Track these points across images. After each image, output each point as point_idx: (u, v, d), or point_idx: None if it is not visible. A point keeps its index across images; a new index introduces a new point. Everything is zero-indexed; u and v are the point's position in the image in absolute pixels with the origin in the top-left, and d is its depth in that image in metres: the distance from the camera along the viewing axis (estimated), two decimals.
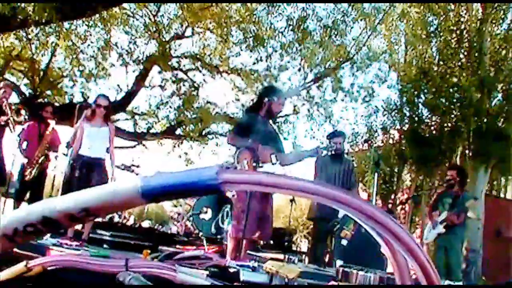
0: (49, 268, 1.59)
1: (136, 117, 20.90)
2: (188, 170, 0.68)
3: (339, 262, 2.13)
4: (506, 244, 12.72)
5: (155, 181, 0.65)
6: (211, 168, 0.62)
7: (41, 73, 18.14)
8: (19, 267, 1.54)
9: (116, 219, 16.54)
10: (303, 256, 13.05)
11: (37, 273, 1.55)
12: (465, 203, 8.61)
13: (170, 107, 20.63)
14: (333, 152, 8.50)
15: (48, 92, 18.81)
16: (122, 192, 0.65)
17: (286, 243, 13.33)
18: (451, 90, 17.19)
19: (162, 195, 0.66)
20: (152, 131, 20.98)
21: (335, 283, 1.22)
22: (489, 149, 15.22)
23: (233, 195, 6.34)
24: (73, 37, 16.84)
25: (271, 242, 13.11)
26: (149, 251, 3.20)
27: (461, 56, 17.06)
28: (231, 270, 2.33)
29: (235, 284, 1.50)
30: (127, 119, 21.16)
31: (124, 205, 0.68)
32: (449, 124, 17.96)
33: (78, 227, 8.84)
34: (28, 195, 10.23)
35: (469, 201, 8.68)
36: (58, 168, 10.21)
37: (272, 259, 2.45)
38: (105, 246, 8.10)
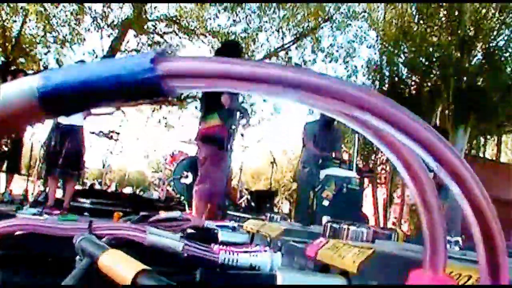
0: (5, 234, 1.43)
1: None
2: (112, 59, 0.45)
3: (325, 218, 2.01)
4: None
5: (59, 78, 0.42)
6: (144, 55, 0.42)
7: (13, 40, 17.73)
8: None
9: (97, 186, 16.39)
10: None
11: None
12: None
13: None
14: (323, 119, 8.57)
15: (22, 60, 18.35)
16: (8, 97, 0.42)
17: (267, 205, 13.27)
18: (431, 49, 17.10)
19: (71, 100, 0.43)
20: None
21: (324, 240, 1.10)
22: (468, 109, 15.24)
23: (204, 157, 6.20)
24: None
25: (252, 204, 13.08)
26: (120, 214, 3.06)
27: (441, 15, 16.91)
28: (209, 231, 2.21)
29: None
30: None
31: (12, 118, 0.44)
32: (429, 84, 17.92)
33: (60, 195, 8.75)
34: (5, 165, 10.05)
35: None
36: (35, 136, 10.03)
37: (253, 218, 2.33)
38: (85, 214, 7.98)
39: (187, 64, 0.41)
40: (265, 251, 1.40)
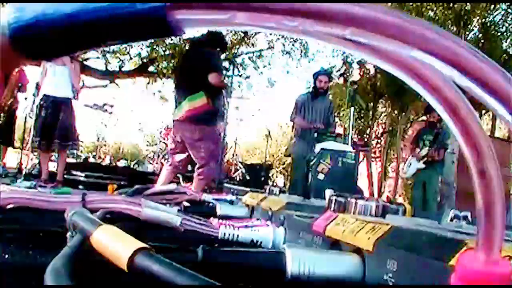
0: None
1: (108, 55, 20.42)
2: None
3: (328, 191, 1.95)
4: None
5: (38, 10, 0.32)
6: None
7: None
8: None
9: (91, 159, 16.37)
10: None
11: None
12: (445, 140, 8.86)
13: (142, 44, 20.19)
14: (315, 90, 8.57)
15: None
16: None
17: (262, 179, 13.29)
18: None
19: (53, 38, 0.33)
20: (124, 69, 20.55)
21: (332, 215, 1.03)
22: None
23: (198, 138, 6.16)
24: None
25: (247, 177, 13.09)
26: (115, 186, 3.00)
27: (469, 3, 16.79)
28: (207, 204, 2.15)
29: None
30: (98, 57, 20.68)
31: None
32: None
33: (53, 168, 8.74)
34: None
35: (450, 138, 8.90)
36: (28, 109, 9.97)
37: (251, 191, 2.27)
38: (80, 187, 7.96)
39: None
40: (267, 225, 1.35)
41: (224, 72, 6.23)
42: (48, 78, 7.74)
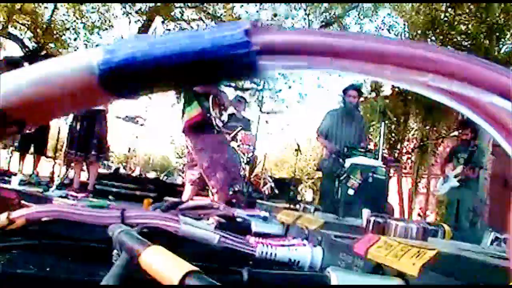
0: (34, 221, 1.39)
1: None
2: (194, 30, 0.35)
3: (366, 211, 1.95)
4: None
5: (126, 52, 0.33)
6: (235, 26, 0.32)
7: (44, 26, 18.00)
8: (0, 219, 1.35)
9: (122, 170, 16.51)
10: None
11: (20, 226, 1.35)
12: (481, 159, 8.75)
13: None
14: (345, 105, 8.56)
15: (52, 45, 18.63)
16: (63, 73, 0.34)
17: (291, 193, 13.25)
18: (459, 37, 16.88)
19: (139, 80, 0.34)
20: None
21: (374, 237, 1.02)
22: None
23: (201, 148, 6.11)
24: None
25: (276, 191, 13.05)
26: (150, 201, 3.01)
27: (470, 3, 16.65)
28: (240, 220, 2.15)
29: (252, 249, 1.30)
30: None
31: (66, 97, 0.35)
32: None
33: (84, 178, 8.85)
34: (32, 148, 10.18)
35: (485, 156, 8.79)
36: (62, 119, 10.11)
37: (286, 208, 2.27)
38: (110, 197, 8.02)
39: (287, 37, 0.33)
40: (304, 245, 1.34)
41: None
42: None
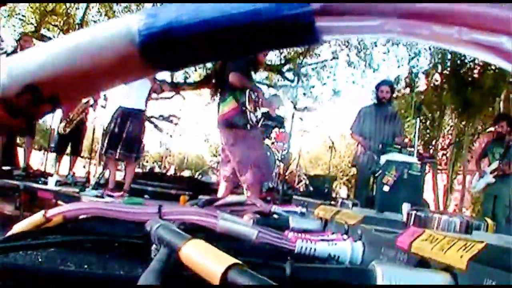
0: (71, 218, 1.39)
1: None
2: None
3: (405, 206, 1.91)
4: None
5: (171, 16, 0.29)
6: None
7: (77, 26, 18.24)
8: (36, 217, 1.35)
9: (156, 169, 16.63)
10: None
11: (57, 224, 1.35)
12: None
13: None
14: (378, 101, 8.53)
15: None
16: (100, 41, 0.31)
17: (325, 190, 13.21)
18: None
19: (185, 47, 0.30)
20: (189, 81, 20.82)
21: (418, 231, 0.99)
22: None
23: (232, 143, 6.08)
24: None
25: (311, 189, 13.02)
26: (187, 198, 3.02)
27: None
28: (277, 216, 2.14)
29: (286, 234, 1.28)
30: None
31: (105, 68, 0.32)
32: (493, 67, 17.43)
33: (120, 178, 8.94)
34: (69, 148, 10.31)
35: None
36: (97, 120, 10.24)
37: (323, 204, 2.24)
38: (146, 196, 8.09)
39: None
40: (344, 240, 1.32)
41: (244, 71, 6.04)
42: (125, 90, 7.89)
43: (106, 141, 7.91)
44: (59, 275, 0.83)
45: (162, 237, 0.82)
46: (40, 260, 1.10)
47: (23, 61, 0.34)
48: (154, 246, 0.94)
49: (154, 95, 19.26)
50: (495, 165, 8.61)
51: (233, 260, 0.62)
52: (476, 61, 18.44)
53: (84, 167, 10.10)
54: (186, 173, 20.42)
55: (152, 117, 12.05)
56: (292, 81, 20.02)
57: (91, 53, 0.32)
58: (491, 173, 8.66)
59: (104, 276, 0.88)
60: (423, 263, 0.88)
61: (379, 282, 0.75)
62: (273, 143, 11.15)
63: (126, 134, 7.77)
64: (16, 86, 0.35)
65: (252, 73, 6.59)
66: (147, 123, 9.40)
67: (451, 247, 0.81)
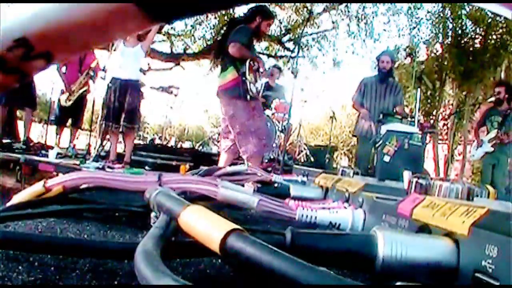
0: (71, 188, 1.39)
1: (172, 38, 20.66)
2: None
3: (407, 173, 1.91)
4: None
5: None
6: None
7: None
8: (36, 188, 1.35)
9: (157, 141, 16.64)
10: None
11: (57, 194, 1.35)
12: None
13: (206, 26, 20.34)
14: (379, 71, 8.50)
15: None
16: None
17: (326, 160, 13.22)
18: None
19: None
20: (188, 51, 20.72)
21: (419, 197, 0.99)
22: None
23: (232, 114, 6.05)
24: None
25: (312, 159, 13.02)
26: (187, 167, 3.02)
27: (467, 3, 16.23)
28: (278, 185, 2.14)
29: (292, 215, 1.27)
30: (163, 40, 20.95)
31: (99, 22, 0.30)
32: (494, 37, 17.34)
33: (120, 149, 8.95)
34: (70, 121, 10.31)
35: None
36: (97, 91, 10.21)
37: (323, 172, 2.23)
38: (146, 167, 8.10)
39: None
40: (345, 207, 1.32)
41: (245, 42, 5.99)
42: (116, 59, 7.86)
43: (107, 113, 7.89)
44: (59, 244, 0.82)
45: (161, 203, 0.81)
46: (40, 229, 1.09)
47: (12, 13, 0.33)
48: (153, 213, 0.94)
49: (153, 66, 19.26)
50: (493, 133, 8.61)
51: (233, 226, 0.61)
52: (477, 31, 18.34)
53: (91, 140, 10.09)
54: (187, 144, 20.42)
55: (152, 88, 12.00)
56: (292, 51, 19.91)
57: (85, 4, 0.30)
58: (489, 142, 8.67)
59: (103, 243, 0.87)
60: (424, 229, 0.88)
61: (380, 247, 0.74)
62: (273, 113, 11.10)
63: (127, 106, 7.76)
64: (6, 40, 0.33)
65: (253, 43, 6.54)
66: (147, 94, 9.37)
67: (452, 213, 0.80)
